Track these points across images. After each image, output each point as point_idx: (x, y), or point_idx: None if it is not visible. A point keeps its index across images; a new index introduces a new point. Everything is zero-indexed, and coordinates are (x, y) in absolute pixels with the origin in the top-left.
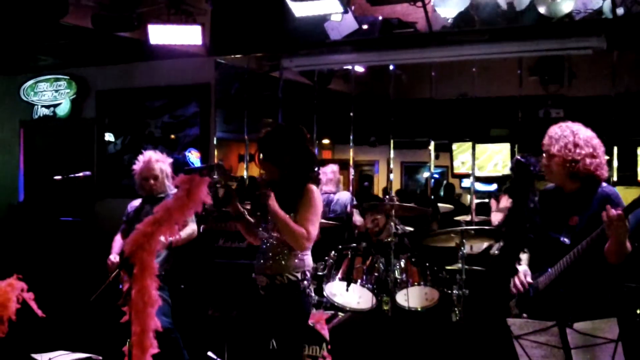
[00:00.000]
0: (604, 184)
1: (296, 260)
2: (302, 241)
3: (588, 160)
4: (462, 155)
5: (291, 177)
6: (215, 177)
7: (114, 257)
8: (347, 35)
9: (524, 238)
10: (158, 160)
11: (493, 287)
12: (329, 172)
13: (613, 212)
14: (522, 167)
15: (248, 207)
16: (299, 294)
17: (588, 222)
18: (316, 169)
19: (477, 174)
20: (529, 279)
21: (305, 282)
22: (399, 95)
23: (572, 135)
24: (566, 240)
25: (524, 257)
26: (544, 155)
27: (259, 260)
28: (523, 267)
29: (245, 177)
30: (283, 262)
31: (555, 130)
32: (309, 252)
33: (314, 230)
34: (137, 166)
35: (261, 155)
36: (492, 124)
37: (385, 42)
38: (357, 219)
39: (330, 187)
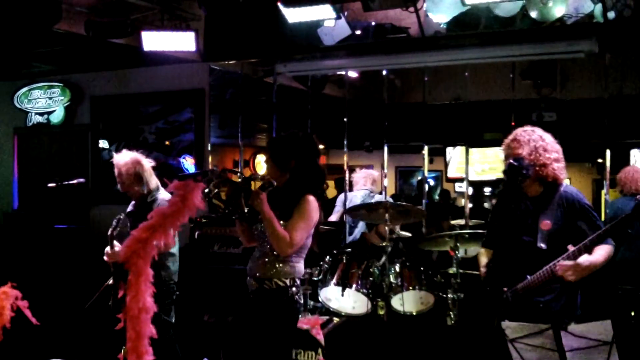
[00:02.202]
0: (564, 185)
1: (287, 267)
2: (284, 246)
3: (555, 165)
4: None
5: (292, 184)
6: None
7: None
8: (341, 40)
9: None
10: (126, 164)
11: (487, 290)
12: (376, 175)
13: (564, 265)
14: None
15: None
16: (286, 300)
17: (561, 226)
18: (323, 185)
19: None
20: None
21: (294, 289)
22: (392, 100)
23: (540, 140)
24: (542, 245)
25: (484, 258)
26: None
27: (250, 264)
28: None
29: (246, 176)
30: (273, 268)
31: (522, 134)
32: (301, 260)
33: (299, 239)
34: None
35: (268, 154)
36: (485, 128)
37: (378, 47)
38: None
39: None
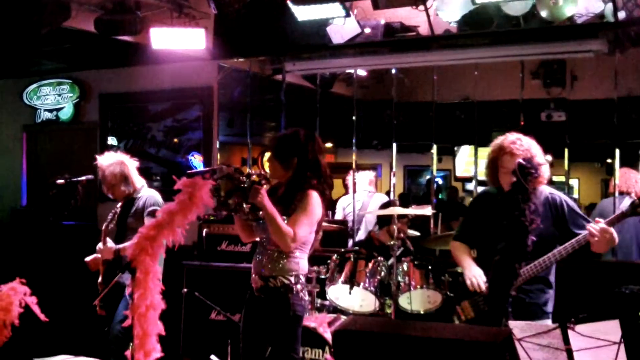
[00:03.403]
0: (548, 187)
1: (291, 263)
2: (287, 240)
3: (547, 166)
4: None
5: (295, 181)
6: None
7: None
8: (350, 39)
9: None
10: (111, 164)
11: (494, 290)
12: (372, 176)
13: (599, 227)
14: (523, 171)
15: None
16: (292, 296)
17: (547, 225)
18: (326, 183)
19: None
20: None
21: (299, 286)
22: (401, 99)
23: (535, 144)
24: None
25: (468, 259)
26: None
27: (255, 261)
28: (476, 270)
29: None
30: (277, 265)
31: (522, 140)
32: (305, 256)
33: (302, 233)
34: None
35: (271, 152)
36: (494, 128)
37: (387, 45)
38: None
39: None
